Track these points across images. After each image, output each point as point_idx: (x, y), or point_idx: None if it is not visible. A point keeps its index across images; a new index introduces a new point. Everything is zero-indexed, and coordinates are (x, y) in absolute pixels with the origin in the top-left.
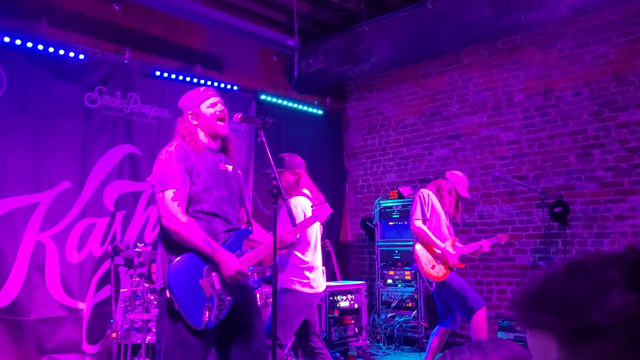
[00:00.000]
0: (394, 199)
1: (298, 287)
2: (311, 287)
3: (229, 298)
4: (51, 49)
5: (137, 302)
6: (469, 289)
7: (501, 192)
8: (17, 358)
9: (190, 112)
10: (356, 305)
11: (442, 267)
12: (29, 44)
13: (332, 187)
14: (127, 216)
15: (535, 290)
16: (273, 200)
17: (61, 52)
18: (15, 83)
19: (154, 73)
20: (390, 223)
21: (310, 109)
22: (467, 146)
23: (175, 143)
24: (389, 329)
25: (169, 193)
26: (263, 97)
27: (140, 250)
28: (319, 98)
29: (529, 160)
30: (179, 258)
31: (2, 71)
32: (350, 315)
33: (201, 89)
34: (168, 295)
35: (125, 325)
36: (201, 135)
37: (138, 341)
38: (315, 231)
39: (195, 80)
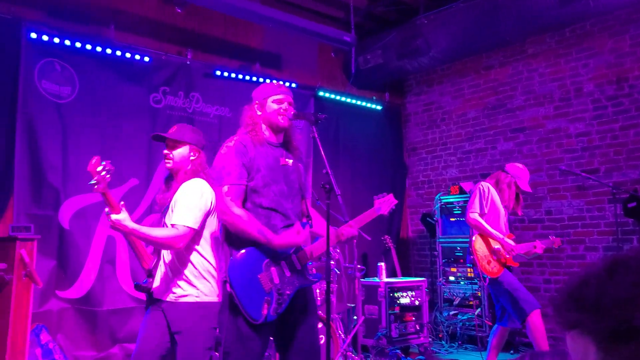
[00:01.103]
0: (455, 194)
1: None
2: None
3: (287, 292)
4: (118, 53)
5: None
6: (521, 290)
7: (570, 187)
8: (92, 346)
9: (257, 102)
10: (417, 302)
11: (496, 264)
12: (98, 49)
13: (392, 182)
14: None
15: (573, 290)
16: (326, 195)
17: (128, 55)
18: (86, 86)
19: (215, 73)
20: (452, 219)
21: (369, 105)
22: (532, 139)
23: (235, 138)
24: (451, 327)
25: (224, 188)
26: (321, 93)
27: None
28: (377, 93)
29: (601, 153)
30: (239, 252)
31: (74, 75)
32: (411, 312)
33: (275, 84)
34: (228, 289)
35: None
36: (263, 127)
37: None
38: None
39: (254, 78)
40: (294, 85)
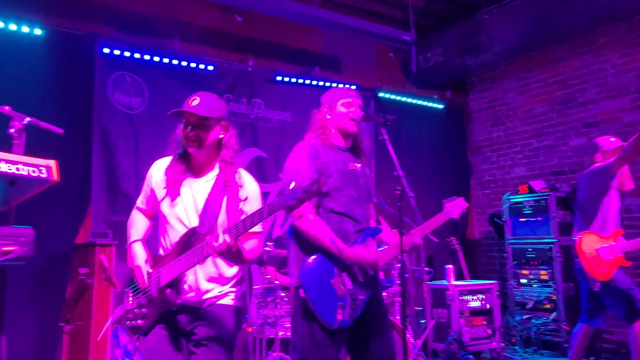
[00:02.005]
0: (524, 194)
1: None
2: None
3: (361, 297)
4: (184, 63)
5: (269, 299)
6: (636, 289)
7: None
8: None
9: (326, 106)
10: (488, 306)
11: (605, 264)
12: (165, 60)
13: (456, 183)
14: None
15: None
16: (397, 198)
17: (192, 65)
18: (155, 96)
19: (276, 78)
20: (522, 219)
21: (430, 104)
22: (608, 134)
23: (306, 142)
24: (524, 332)
25: None
26: (381, 94)
27: (270, 248)
28: (438, 92)
29: None
30: (312, 257)
31: (143, 86)
32: (482, 316)
33: (344, 88)
34: (302, 294)
35: (259, 320)
36: (332, 131)
37: (272, 336)
38: None
39: (314, 82)
40: (353, 87)
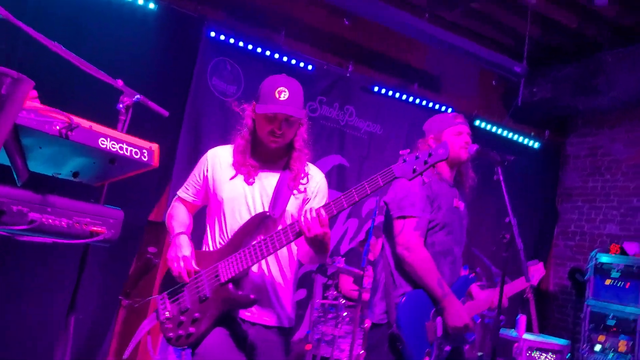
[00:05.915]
0: (615, 254)
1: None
2: None
3: (447, 348)
4: (285, 59)
5: (330, 315)
6: None
7: None
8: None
9: (432, 135)
10: None
11: None
12: (267, 53)
13: (540, 227)
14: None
15: None
16: (504, 247)
17: (293, 62)
18: (250, 87)
19: (373, 88)
20: (607, 282)
21: (525, 141)
22: None
23: None
24: None
25: (411, 221)
26: (477, 122)
27: (335, 261)
28: (536, 129)
29: None
30: (409, 293)
31: (241, 75)
32: None
33: (450, 114)
34: (395, 331)
35: (316, 336)
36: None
37: (326, 355)
38: None
39: (410, 99)
40: (450, 110)
